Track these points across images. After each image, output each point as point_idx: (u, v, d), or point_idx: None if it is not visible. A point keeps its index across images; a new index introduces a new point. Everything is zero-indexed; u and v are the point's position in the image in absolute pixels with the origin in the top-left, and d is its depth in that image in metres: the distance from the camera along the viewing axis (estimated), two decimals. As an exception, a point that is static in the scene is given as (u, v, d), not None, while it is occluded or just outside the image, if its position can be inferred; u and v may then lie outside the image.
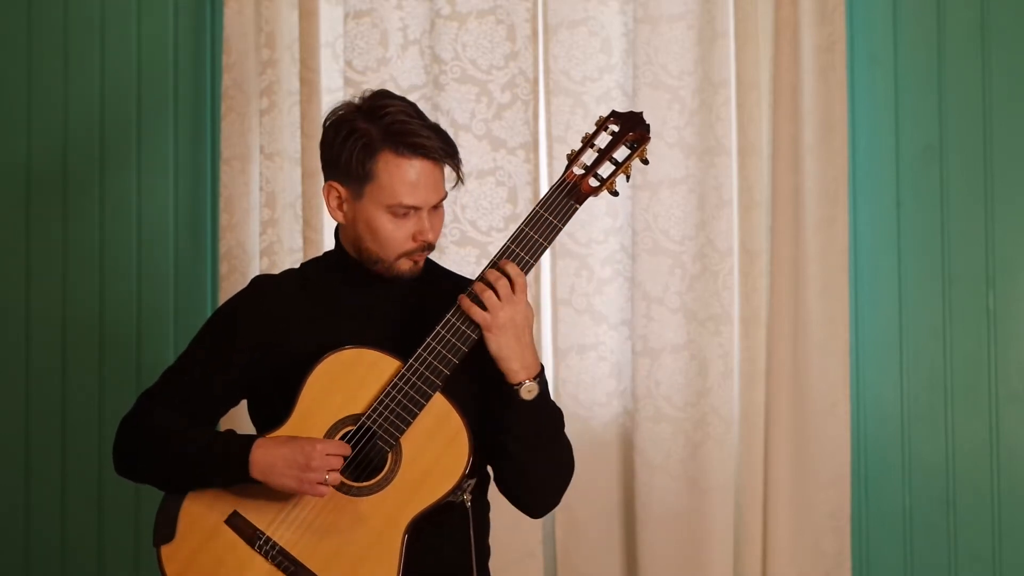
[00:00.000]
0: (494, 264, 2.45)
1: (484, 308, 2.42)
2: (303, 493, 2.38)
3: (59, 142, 3.86)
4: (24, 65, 3.88)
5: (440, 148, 2.47)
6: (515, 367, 2.43)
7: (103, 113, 3.86)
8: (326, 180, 2.53)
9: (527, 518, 3.55)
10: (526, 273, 2.45)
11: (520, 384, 2.44)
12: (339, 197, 2.51)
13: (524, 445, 2.47)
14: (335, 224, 2.58)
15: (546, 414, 2.50)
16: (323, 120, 2.54)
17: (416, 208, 2.47)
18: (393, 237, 2.47)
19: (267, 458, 2.38)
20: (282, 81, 3.72)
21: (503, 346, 2.42)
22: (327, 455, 2.36)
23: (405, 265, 2.50)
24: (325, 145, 2.52)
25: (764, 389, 3.62)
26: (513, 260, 2.45)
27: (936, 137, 3.67)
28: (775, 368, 3.60)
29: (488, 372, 2.46)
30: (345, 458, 2.39)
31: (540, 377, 2.47)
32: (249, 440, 2.40)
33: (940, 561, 3.65)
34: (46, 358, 3.85)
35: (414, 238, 2.48)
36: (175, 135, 3.86)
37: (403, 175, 2.45)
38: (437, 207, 2.51)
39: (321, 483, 2.35)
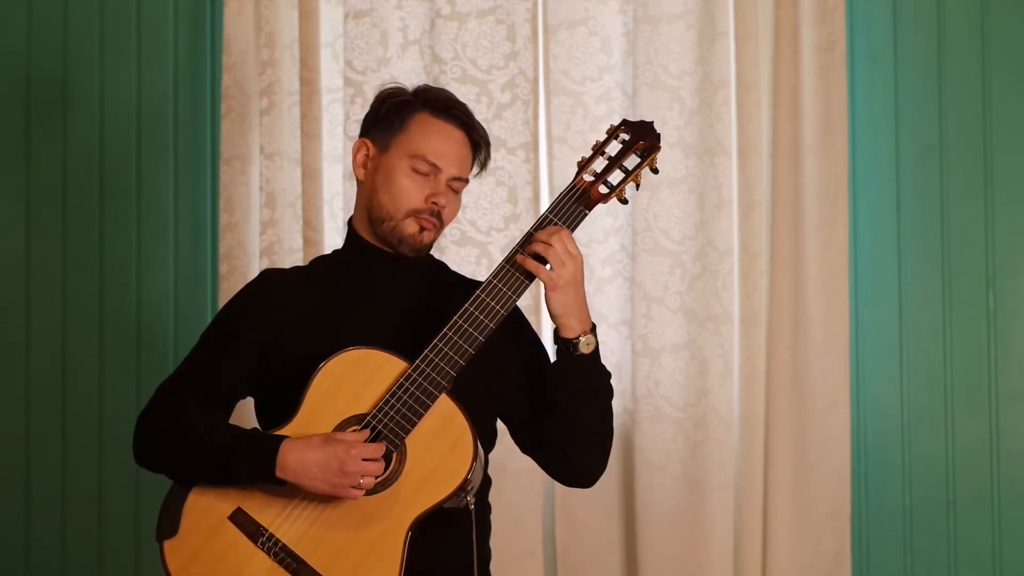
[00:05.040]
0: (512, 256, 2.46)
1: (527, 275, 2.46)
2: (336, 496, 2.38)
3: (59, 142, 3.86)
4: (23, 66, 3.88)
5: (475, 126, 2.58)
6: (573, 323, 2.48)
7: (103, 113, 3.86)
8: (359, 139, 2.61)
9: (527, 518, 3.59)
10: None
11: (578, 339, 2.47)
12: (366, 153, 2.58)
13: (579, 400, 2.51)
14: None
15: (601, 369, 2.53)
16: (359, 101, 2.63)
17: (436, 169, 2.53)
18: (407, 191, 2.52)
19: (300, 462, 2.38)
20: (282, 81, 3.72)
21: (566, 304, 2.47)
22: (362, 460, 2.36)
23: (410, 227, 2.53)
24: (368, 112, 2.62)
25: (764, 389, 3.62)
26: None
27: (936, 137, 3.68)
28: (775, 368, 3.60)
29: (509, 360, 2.54)
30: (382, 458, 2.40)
31: (595, 331, 2.50)
32: (276, 440, 2.40)
33: (940, 561, 3.65)
34: (46, 358, 3.84)
35: (426, 199, 2.52)
36: (175, 135, 3.86)
37: (433, 133, 2.54)
38: (456, 189, 2.57)
39: (355, 487, 2.36)
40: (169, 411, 2.51)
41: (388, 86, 2.63)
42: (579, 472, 2.59)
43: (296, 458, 2.38)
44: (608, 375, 2.56)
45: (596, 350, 2.51)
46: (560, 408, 2.51)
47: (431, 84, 3.56)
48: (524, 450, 2.63)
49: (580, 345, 2.48)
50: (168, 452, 2.48)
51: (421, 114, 2.55)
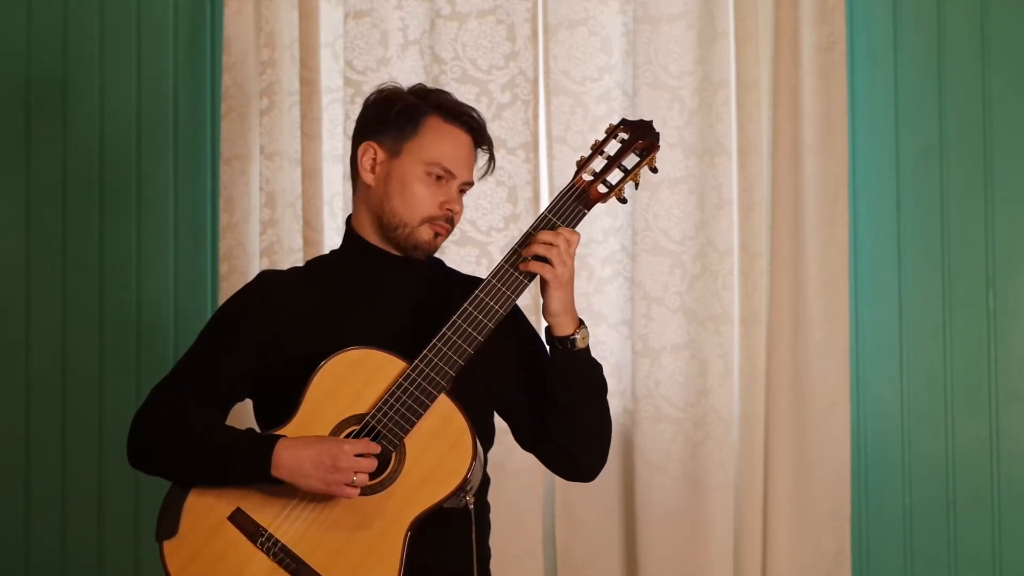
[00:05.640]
0: (511, 255, 2.47)
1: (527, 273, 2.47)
2: (330, 494, 2.38)
3: (59, 142, 3.86)
4: (23, 66, 3.88)
5: (483, 131, 2.59)
6: (567, 320, 2.49)
7: (103, 113, 3.86)
8: (361, 142, 2.58)
9: (527, 518, 3.59)
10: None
11: (575, 334, 2.49)
12: (374, 158, 2.57)
13: (577, 396, 2.52)
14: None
15: (594, 363, 2.56)
16: (365, 99, 2.63)
17: (450, 175, 2.54)
18: (422, 198, 2.53)
19: (294, 459, 2.38)
20: (282, 81, 3.72)
21: (563, 301, 2.48)
22: (355, 456, 2.36)
23: (425, 234, 2.54)
24: (368, 110, 2.60)
25: (764, 389, 3.62)
26: (520, 262, 2.47)
27: (936, 137, 3.68)
28: (775, 368, 3.60)
29: (508, 358, 2.56)
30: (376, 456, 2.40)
31: (584, 325, 2.52)
32: (272, 440, 2.40)
33: (940, 561, 3.65)
34: (46, 358, 3.84)
35: (440, 206, 2.53)
36: (175, 135, 3.86)
37: (447, 138, 2.55)
38: (463, 191, 2.58)
39: (349, 484, 2.36)
40: (167, 410, 2.51)
41: (384, 86, 2.62)
42: (581, 467, 2.60)
43: (290, 456, 2.38)
44: (600, 367, 2.57)
45: (588, 346, 2.53)
46: (560, 406, 2.52)
47: (430, 84, 3.57)
48: (524, 447, 2.64)
49: (577, 340, 2.50)
50: (165, 451, 2.48)
51: (433, 118, 2.55)
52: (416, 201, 2.53)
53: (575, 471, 2.61)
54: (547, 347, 2.56)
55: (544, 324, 2.54)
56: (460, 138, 2.56)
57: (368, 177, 2.57)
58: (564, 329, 2.50)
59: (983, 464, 3.64)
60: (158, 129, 3.86)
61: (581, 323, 2.52)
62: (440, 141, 2.54)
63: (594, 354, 2.57)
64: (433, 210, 2.53)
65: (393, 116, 2.55)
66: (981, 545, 3.63)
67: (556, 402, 2.52)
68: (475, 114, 2.59)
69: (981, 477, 3.64)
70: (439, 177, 2.53)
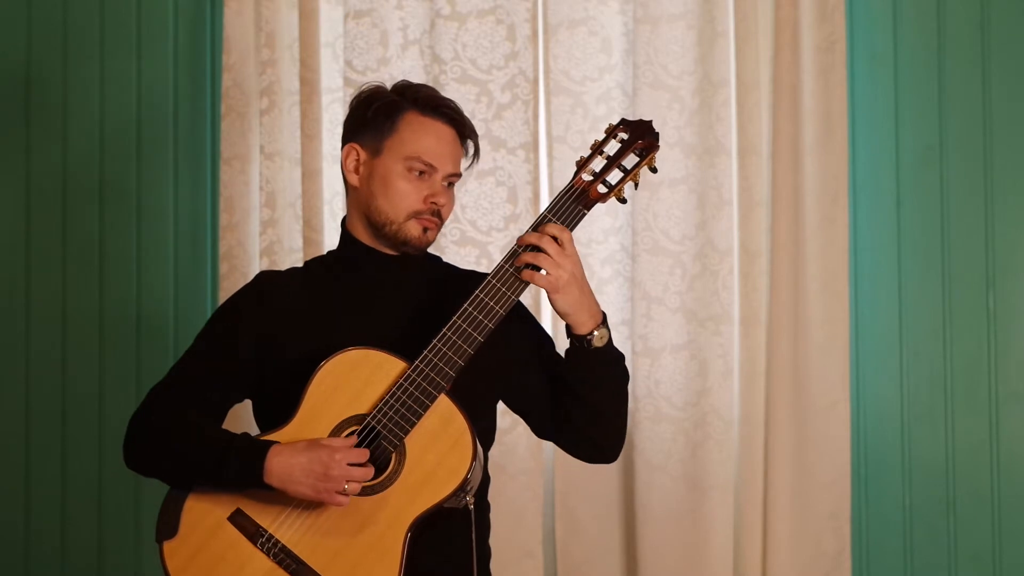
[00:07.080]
0: (511, 256, 2.46)
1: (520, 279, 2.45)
2: (322, 502, 2.38)
3: (59, 143, 3.86)
4: (23, 67, 3.88)
5: (464, 121, 2.57)
6: (584, 319, 2.47)
7: (103, 113, 3.86)
8: (346, 144, 2.59)
9: (527, 518, 3.59)
10: None
11: (591, 334, 2.48)
12: (357, 159, 2.57)
13: (597, 390, 2.52)
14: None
15: (615, 355, 2.54)
16: (349, 100, 2.63)
17: (432, 169, 2.53)
18: (406, 194, 2.52)
19: (285, 467, 2.38)
20: (282, 81, 3.72)
21: (571, 303, 2.46)
22: (346, 464, 2.36)
23: (414, 230, 2.53)
24: (351, 112, 2.61)
25: (764, 389, 3.62)
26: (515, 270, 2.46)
27: (936, 137, 3.68)
28: (775, 368, 3.60)
29: (517, 356, 2.57)
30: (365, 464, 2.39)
31: (606, 321, 2.50)
32: (265, 446, 2.40)
33: (940, 561, 3.65)
34: (46, 358, 3.84)
35: (425, 200, 2.52)
36: (175, 135, 3.86)
37: (425, 132, 2.54)
38: (450, 184, 2.57)
39: (340, 492, 2.36)
40: (163, 412, 2.51)
41: (366, 86, 2.62)
42: (601, 451, 2.61)
43: (280, 463, 2.38)
44: (622, 357, 2.56)
45: (610, 340, 2.51)
46: (580, 398, 2.52)
47: (431, 84, 3.57)
48: (543, 436, 2.65)
49: (594, 340, 2.49)
50: (160, 454, 2.48)
51: (410, 114, 2.54)
52: (399, 198, 2.52)
53: (596, 455, 2.62)
54: (551, 338, 2.57)
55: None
56: (441, 131, 2.55)
57: (353, 179, 2.58)
58: (580, 328, 2.48)
59: (983, 464, 3.64)
60: (158, 129, 3.85)
61: (604, 319, 2.50)
62: (419, 135, 2.53)
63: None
64: (417, 205, 2.53)
65: (371, 115, 2.55)
66: (981, 545, 3.64)
67: (576, 394, 2.52)
68: (454, 105, 2.58)
69: (981, 477, 3.64)
70: (421, 172, 2.53)
